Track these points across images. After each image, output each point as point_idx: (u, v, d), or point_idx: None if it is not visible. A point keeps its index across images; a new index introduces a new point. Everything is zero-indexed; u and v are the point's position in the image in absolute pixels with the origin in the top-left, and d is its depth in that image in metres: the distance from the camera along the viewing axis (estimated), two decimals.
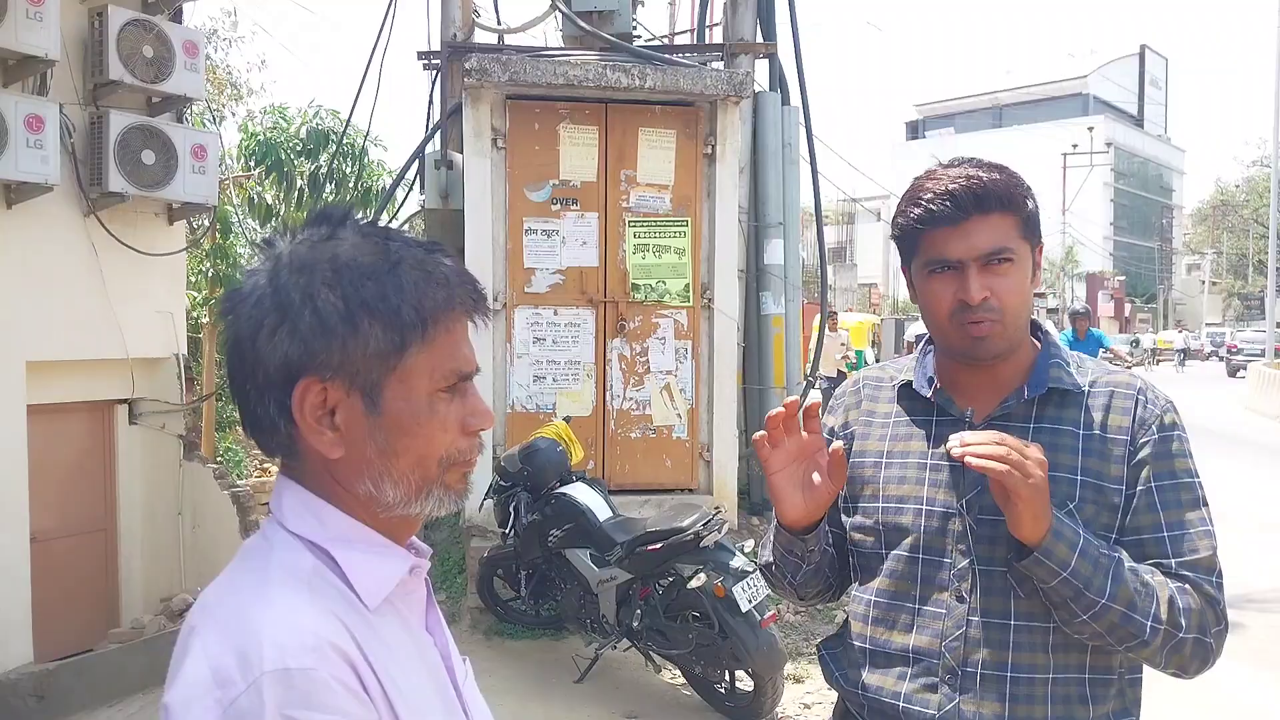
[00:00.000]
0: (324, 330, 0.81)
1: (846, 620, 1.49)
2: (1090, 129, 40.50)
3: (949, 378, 1.41)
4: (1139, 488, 1.32)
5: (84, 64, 4.75)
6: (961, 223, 1.30)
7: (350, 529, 0.85)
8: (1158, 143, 57.36)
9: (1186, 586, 1.29)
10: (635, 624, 4.02)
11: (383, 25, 5.65)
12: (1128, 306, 47.74)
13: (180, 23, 5.35)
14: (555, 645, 4.76)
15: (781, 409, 1.29)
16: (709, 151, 5.20)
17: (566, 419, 4.72)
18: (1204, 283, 53.19)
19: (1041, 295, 18.10)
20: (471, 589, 4.98)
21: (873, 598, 1.41)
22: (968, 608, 1.32)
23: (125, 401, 5.17)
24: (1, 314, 4.38)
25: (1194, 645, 1.28)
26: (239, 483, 6.18)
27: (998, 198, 1.31)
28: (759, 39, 5.73)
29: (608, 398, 5.20)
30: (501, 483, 4.38)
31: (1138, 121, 55.79)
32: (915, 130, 59.90)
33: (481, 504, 4.64)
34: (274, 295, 0.83)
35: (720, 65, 5.64)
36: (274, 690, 0.73)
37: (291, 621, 0.77)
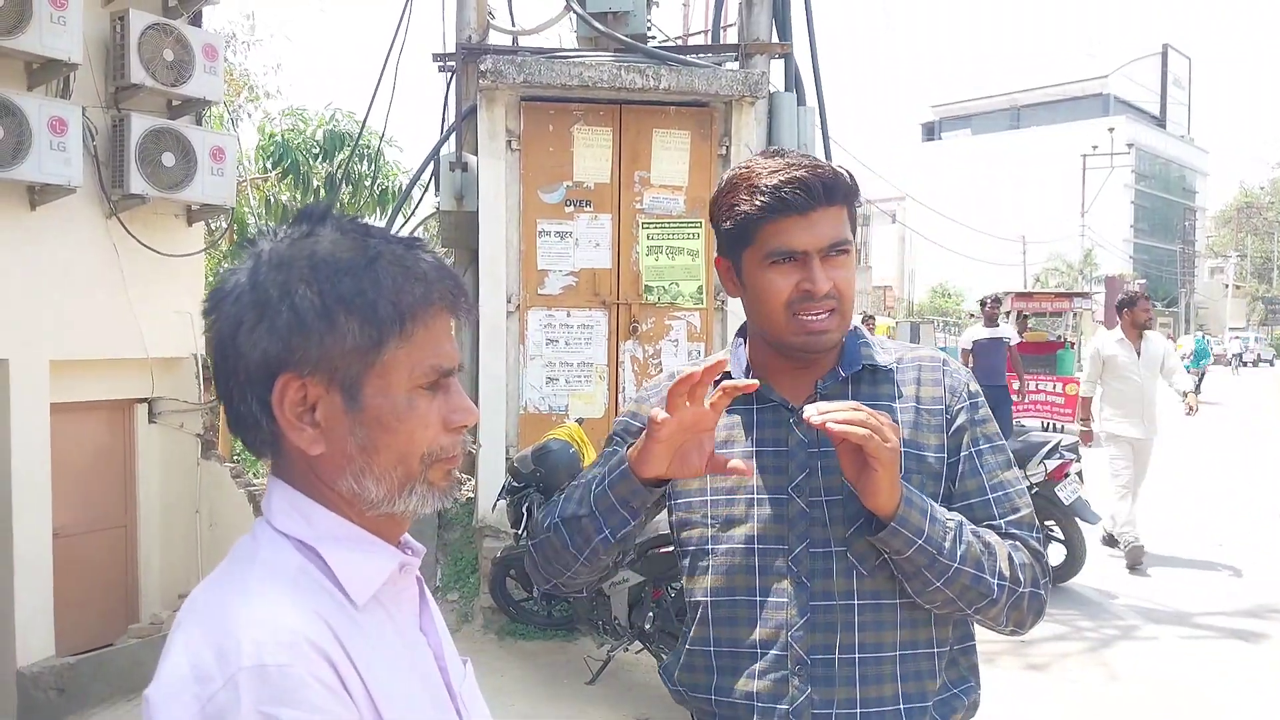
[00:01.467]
0: (301, 326, 0.82)
1: (682, 636, 1.45)
2: (1110, 130, 40.13)
3: (765, 366, 1.40)
4: (961, 454, 1.35)
5: (106, 67, 4.81)
6: (808, 212, 1.29)
7: (337, 526, 0.86)
8: (1180, 144, 56.79)
9: (1017, 543, 1.33)
10: (647, 626, 4.03)
11: (398, 28, 5.69)
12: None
13: (200, 26, 5.41)
14: (567, 646, 4.78)
15: (697, 371, 1.18)
16: (723, 152, 5.21)
17: (579, 420, 4.74)
18: (1227, 286, 52.61)
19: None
20: (484, 589, 5.01)
21: (709, 597, 1.36)
22: (809, 593, 1.30)
23: (145, 400, 5.24)
24: (25, 314, 4.45)
25: (1030, 599, 1.32)
26: (255, 481, 6.25)
27: (843, 189, 1.32)
28: (774, 39, 5.72)
29: (620, 399, 5.21)
30: (514, 483, 4.40)
31: (1160, 122, 55.25)
32: (931, 131, 59.59)
33: (495, 504, 4.66)
34: (253, 292, 0.83)
35: (735, 66, 5.64)
36: (250, 686, 0.74)
37: (270, 618, 0.78)
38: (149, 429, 5.28)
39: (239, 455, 8.76)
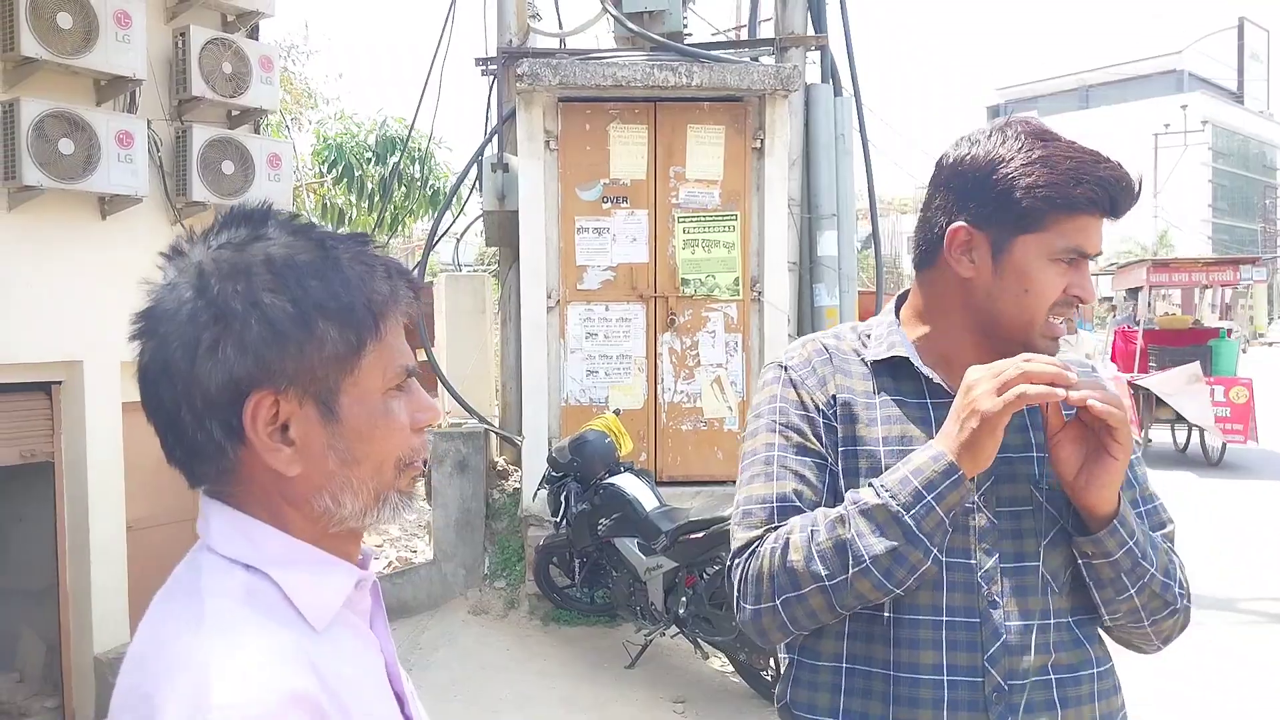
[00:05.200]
0: (276, 338, 0.75)
1: (810, 666, 1.25)
2: (1184, 107, 38.67)
3: (944, 357, 1.25)
4: None
5: (169, 81, 5.07)
6: (1106, 218, 1.19)
7: (287, 549, 0.79)
8: (1259, 119, 54.35)
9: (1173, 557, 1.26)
10: (682, 611, 4.13)
11: (441, 34, 5.87)
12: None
13: (257, 39, 5.66)
14: (609, 631, 4.91)
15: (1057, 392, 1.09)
16: (758, 145, 5.27)
17: (617, 412, 4.86)
18: None
19: None
20: (529, 576, 5.17)
21: (890, 614, 1.18)
22: (1002, 613, 1.16)
23: None
24: (99, 318, 4.72)
25: (1185, 614, 1.24)
26: None
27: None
28: (810, 31, 5.75)
29: (659, 391, 5.32)
30: (553, 473, 4.55)
31: (1237, 97, 53.01)
32: (996, 114, 58.01)
33: (535, 493, 4.81)
34: (209, 308, 0.75)
35: (771, 59, 5.68)
36: None
37: (240, 675, 0.70)
38: None
39: None
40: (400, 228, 10.30)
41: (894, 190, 28.63)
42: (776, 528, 1.19)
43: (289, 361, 0.76)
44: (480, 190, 5.91)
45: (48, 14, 4.23)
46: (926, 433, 1.20)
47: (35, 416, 4.65)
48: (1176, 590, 1.21)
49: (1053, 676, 1.16)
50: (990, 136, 1.21)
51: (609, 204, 5.27)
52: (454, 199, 6.87)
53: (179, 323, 0.77)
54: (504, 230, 5.69)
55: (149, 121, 4.85)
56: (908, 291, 1.35)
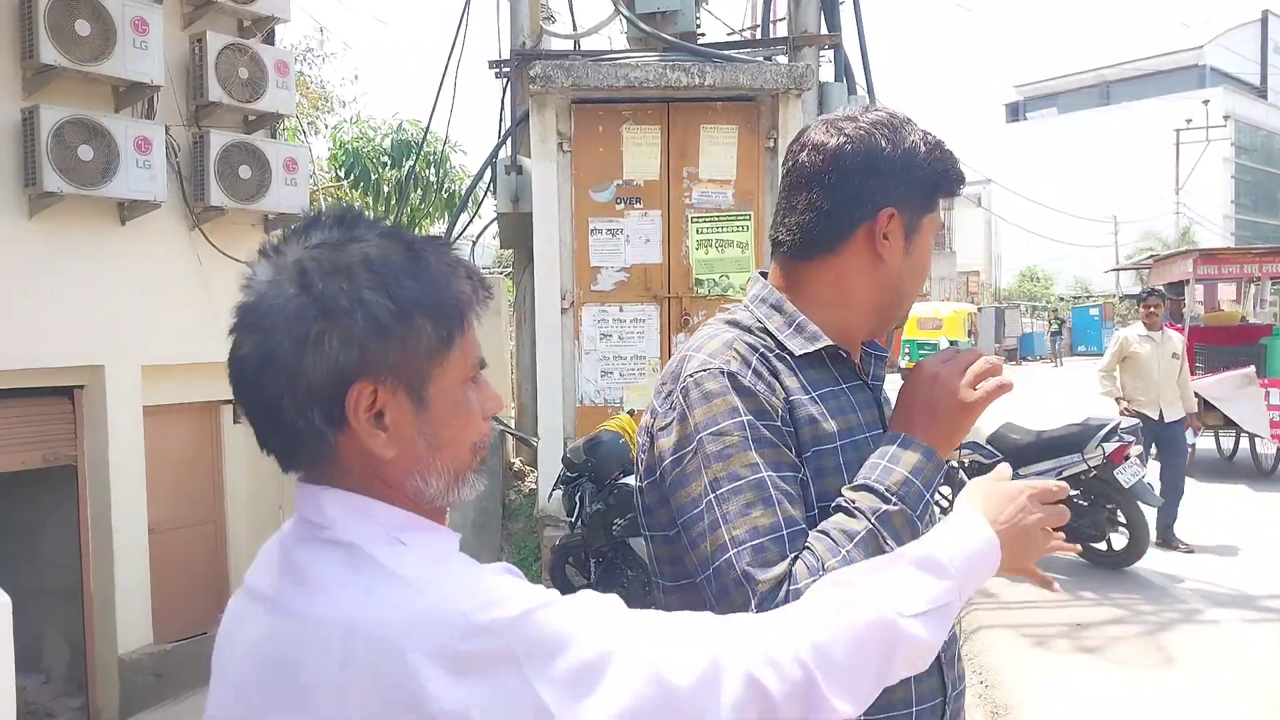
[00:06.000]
0: (379, 332, 0.81)
1: None
2: (1205, 102, 38.22)
3: (840, 340, 1.24)
4: None
5: (186, 87, 5.11)
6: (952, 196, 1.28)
7: (404, 518, 0.86)
8: None
9: None
10: None
11: (455, 37, 5.89)
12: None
13: (273, 44, 5.70)
14: None
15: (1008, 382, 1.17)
16: (771, 145, 5.25)
17: (631, 412, 4.87)
18: None
19: None
20: (545, 576, 5.18)
21: None
22: None
23: (229, 402, 5.53)
24: (119, 322, 4.77)
25: None
26: None
27: None
28: (823, 30, 5.73)
29: None
30: (568, 474, 4.55)
31: (1261, 92, 52.35)
32: (1015, 112, 57.64)
33: (550, 494, 4.82)
34: (316, 304, 0.81)
35: (785, 59, 5.67)
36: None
37: (497, 583, 0.81)
38: (234, 429, 5.57)
39: None
40: (416, 231, 10.34)
41: None
42: (797, 557, 1.07)
43: (390, 354, 0.82)
44: (495, 193, 5.93)
45: (66, 22, 4.28)
46: (863, 418, 1.21)
47: (58, 420, 4.71)
48: None
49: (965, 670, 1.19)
50: (882, 125, 1.22)
51: (622, 205, 5.28)
52: (469, 201, 6.91)
53: (284, 317, 0.82)
54: (518, 232, 5.71)
55: (167, 127, 4.88)
56: (765, 283, 1.28)
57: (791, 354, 1.20)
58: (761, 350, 1.19)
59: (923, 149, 1.22)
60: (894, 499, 1.08)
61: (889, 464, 1.11)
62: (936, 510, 1.20)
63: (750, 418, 1.13)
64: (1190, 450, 7.57)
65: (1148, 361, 6.68)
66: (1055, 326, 28.99)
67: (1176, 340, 6.86)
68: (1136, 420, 6.21)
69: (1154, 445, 6.60)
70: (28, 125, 4.29)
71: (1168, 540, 6.40)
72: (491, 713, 0.75)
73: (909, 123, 1.24)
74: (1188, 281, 10.22)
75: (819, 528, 1.10)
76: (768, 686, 0.82)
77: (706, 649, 0.82)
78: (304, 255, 0.84)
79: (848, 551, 1.05)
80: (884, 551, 1.05)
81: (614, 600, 0.85)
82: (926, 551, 0.98)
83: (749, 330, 1.23)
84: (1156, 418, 6.59)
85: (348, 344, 0.81)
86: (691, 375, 1.16)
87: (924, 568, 0.97)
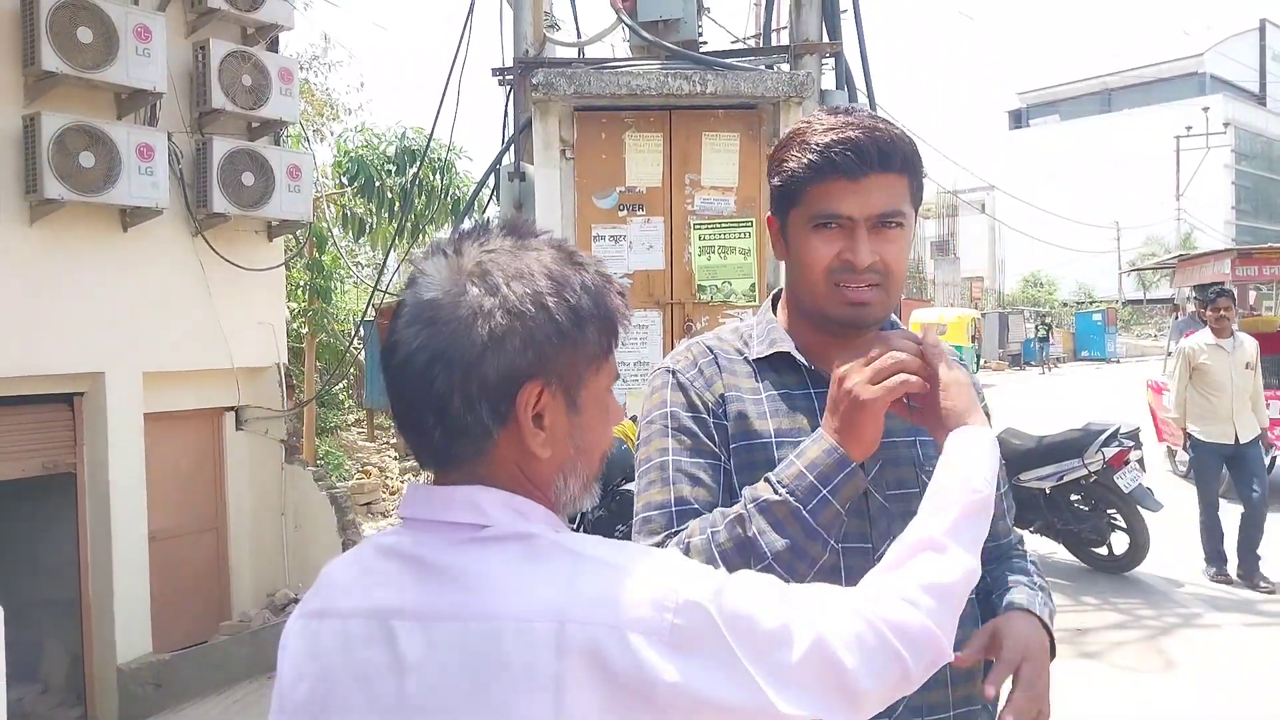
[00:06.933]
0: (558, 336, 0.85)
1: None
2: (1205, 109, 38.28)
3: (810, 345, 1.29)
4: None
5: (189, 94, 5.11)
6: (860, 178, 1.18)
7: (547, 517, 0.89)
8: None
9: None
10: None
11: (459, 45, 5.89)
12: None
13: (276, 51, 5.71)
14: None
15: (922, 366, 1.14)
16: (772, 152, 5.24)
17: (633, 418, 4.84)
18: None
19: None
20: None
21: None
22: None
23: (232, 409, 5.51)
24: (121, 329, 4.76)
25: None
26: (337, 485, 6.50)
27: (902, 157, 1.21)
28: (824, 38, 5.73)
29: None
30: None
31: (1260, 100, 52.44)
32: (1019, 119, 57.77)
33: None
34: (501, 306, 0.84)
35: (786, 67, 5.67)
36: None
37: (679, 565, 0.85)
38: (236, 436, 5.56)
39: (321, 460, 9.17)
40: (421, 237, 10.39)
41: None
42: (676, 532, 1.18)
43: (562, 358, 0.86)
44: (498, 199, 5.93)
45: (68, 29, 4.28)
46: (815, 421, 1.21)
47: (57, 428, 4.69)
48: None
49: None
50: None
51: (625, 211, 5.27)
52: (473, 207, 6.89)
53: (469, 315, 0.84)
54: None
55: (169, 134, 4.88)
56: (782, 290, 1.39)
57: (748, 358, 1.31)
58: (718, 351, 1.31)
59: (783, 149, 1.26)
60: (782, 490, 1.11)
61: (793, 459, 1.14)
62: (866, 504, 1.24)
63: (674, 409, 1.26)
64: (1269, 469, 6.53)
65: (1220, 375, 5.72)
66: (1043, 333, 28.95)
67: (1250, 347, 5.87)
68: (1135, 425, 5.71)
69: (1225, 468, 5.83)
70: (29, 132, 4.29)
71: (1250, 577, 5.63)
72: (710, 684, 0.78)
73: (810, 119, 1.26)
74: (1224, 284, 8.81)
75: (717, 509, 1.19)
76: (908, 621, 0.91)
77: (854, 608, 0.89)
78: (485, 258, 0.87)
79: (714, 531, 1.13)
80: (746, 535, 1.10)
81: (771, 578, 0.89)
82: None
83: (729, 334, 1.36)
84: (1232, 441, 5.72)
85: (527, 345, 0.84)
86: (653, 370, 1.33)
87: (752, 497, 1.15)
